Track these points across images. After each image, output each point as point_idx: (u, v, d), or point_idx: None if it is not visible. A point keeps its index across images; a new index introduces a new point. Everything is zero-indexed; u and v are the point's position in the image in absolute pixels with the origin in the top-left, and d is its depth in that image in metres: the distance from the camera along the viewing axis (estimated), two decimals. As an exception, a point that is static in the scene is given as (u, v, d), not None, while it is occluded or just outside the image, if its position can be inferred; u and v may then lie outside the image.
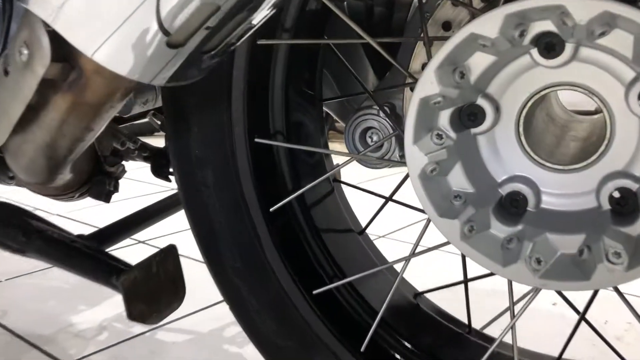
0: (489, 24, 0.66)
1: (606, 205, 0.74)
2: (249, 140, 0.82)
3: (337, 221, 0.98)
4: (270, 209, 0.87)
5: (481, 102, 0.77)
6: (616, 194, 0.72)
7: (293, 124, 0.91)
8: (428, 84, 0.72)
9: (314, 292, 0.87)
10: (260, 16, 0.61)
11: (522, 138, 0.79)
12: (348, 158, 0.91)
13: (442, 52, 0.70)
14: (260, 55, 0.80)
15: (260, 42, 0.78)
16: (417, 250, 0.88)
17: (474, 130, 0.79)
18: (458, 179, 0.79)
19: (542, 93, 0.77)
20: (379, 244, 1.03)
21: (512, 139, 0.80)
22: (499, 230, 0.77)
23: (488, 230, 0.77)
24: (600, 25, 0.63)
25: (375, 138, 0.97)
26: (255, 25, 0.62)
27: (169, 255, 0.87)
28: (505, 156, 0.81)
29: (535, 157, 0.80)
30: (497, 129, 0.80)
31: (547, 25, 0.67)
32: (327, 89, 1.07)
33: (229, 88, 0.79)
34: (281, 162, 0.89)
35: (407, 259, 0.88)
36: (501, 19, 0.65)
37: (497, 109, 0.78)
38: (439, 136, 0.76)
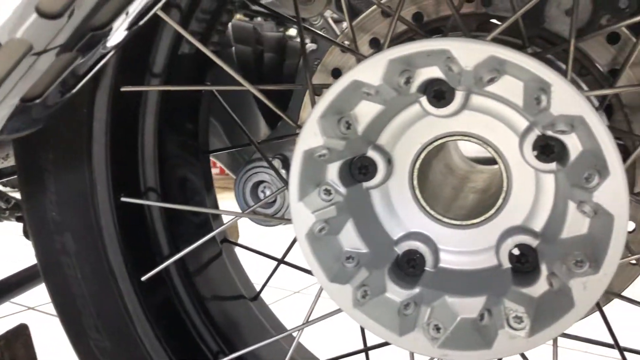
0: (372, 71, 0.60)
1: (506, 264, 0.68)
2: (115, 200, 0.72)
3: (225, 288, 0.88)
4: (142, 278, 0.76)
5: (372, 154, 0.71)
6: (516, 251, 0.67)
7: (171, 180, 0.81)
8: (311, 136, 0.65)
9: (193, 372, 0.76)
10: (92, 60, 0.52)
11: (417, 192, 0.74)
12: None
13: (324, 101, 0.63)
14: (125, 103, 0.70)
15: (124, 89, 0.69)
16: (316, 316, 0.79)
17: (366, 185, 0.73)
18: (350, 239, 0.71)
19: (435, 144, 0.72)
20: (287, 304, 0.93)
21: (407, 192, 0.74)
22: (396, 294, 0.69)
23: (384, 294, 0.69)
24: (489, 71, 0.58)
25: (268, 193, 0.89)
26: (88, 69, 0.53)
27: (18, 338, 0.74)
28: (401, 212, 0.75)
29: (432, 212, 0.74)
30: (390, 183, 0.74)
31: (433, 72, 0.62)
32: (217, 139, 0.98)
33: (89, 141, 0.69)
34: (155, 224, 0.78)
35: (300, 328, 0.79)
36: (384, 65, 0.60)
37: (389, 161, 0.72)
38: (328, 192, 0.69)
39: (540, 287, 0.63)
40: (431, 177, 0.80)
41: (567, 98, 0.54)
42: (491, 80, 0.59)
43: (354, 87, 0.62)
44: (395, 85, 0.62)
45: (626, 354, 0.67)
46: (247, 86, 0.70)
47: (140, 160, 0.75)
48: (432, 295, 0.68)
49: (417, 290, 0.69)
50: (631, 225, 0.73)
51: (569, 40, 0.57)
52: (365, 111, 0.66)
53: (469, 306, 0.67)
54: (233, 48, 0.95)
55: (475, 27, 0.73)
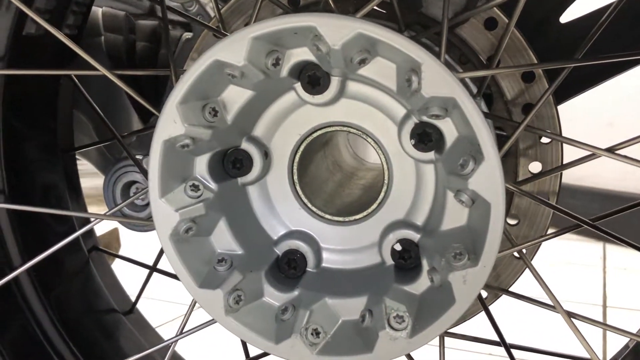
0: (235, 49, 0.54)
1: (390, 261, 0.64)
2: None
3: (92, 301, 0.79)
4: (-15, 292, 0.65)
5: (246, 146, 0.65)
6: (398, 247, 0.63)
7: (24, 181, 0.72)
8: (170, 123, 0.58)
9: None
10: None
11: (298, 187, 0.68)
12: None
13: (184, 82, 0.56)
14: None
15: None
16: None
17: (241, 180, 0.67)
18: (223, 239, 0.65)
19: (314, 135, 0.67)
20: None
21: (287, 188, 0.68)
22: (274, 297, 0.63)
23: (260, 299, 0.63)
24: (359, 51, 0.54)
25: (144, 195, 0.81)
26: None
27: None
28: (280, 209, 0.69)
29: (313, 209, 0.69)
30: (268, 178, 0.68)
31: (305, 54, 0.57)
32: (87, 137, 0.89)
33: None
34: (1, 230, 0.68)
35: (174, 340, 0.71)
36: (247, 43, 0.54)
37: (265, 154, 0.67)
38: (195, 187, 0.62)
39: (422, 284, 0.60)
40: (314, 173, 0.75)
41: (437, 78, 0.51)
42: (362, 62, 0.55)
43: (217, 68, 0.56)
44: (262, 67, 0.57)
45: (513, 351, 0.64)
46: (103, 71, 0.63)
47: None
48: (312, 298, 0.63)
49: (296, 293, 0.64)
50: (515, 219, 0.71)
51: (442, 20, 0.54)
52: (234, 97, 0.60)
53: (351, 307, 0.62)
54: (102, 37, 0.87)
55: (354, 10, 0.69)
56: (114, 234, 1.05)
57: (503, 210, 0.52)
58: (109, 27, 0.88)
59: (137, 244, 1.17)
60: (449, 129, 0.55)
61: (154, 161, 0.59)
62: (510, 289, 0.70)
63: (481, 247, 0.54)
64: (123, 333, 0.79)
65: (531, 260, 0.70)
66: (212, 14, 0.70)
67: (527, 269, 0.69)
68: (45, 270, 0.73)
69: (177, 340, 0.70)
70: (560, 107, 0.67)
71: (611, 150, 0.53)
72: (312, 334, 0.60)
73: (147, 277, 0.79)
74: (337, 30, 0.52)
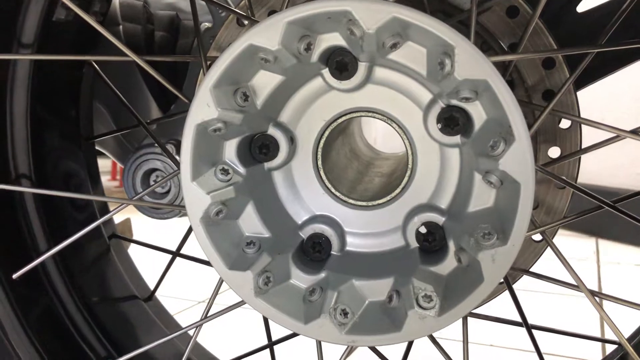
0: (269, 34, 0.56)
1: (414, 243, 0.65)
2: (-24, 185, 0.62)
3: (114, 287, 0.79)
4: (14, 276, 0.66)
5: (273, 131, 0.66)
6: (423, 229, 0.65)
7: (48, 167, 0.72)
8: (204, 107, 0.59)
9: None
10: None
11: (322, 173, 0.70)
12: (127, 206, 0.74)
13: (218, 67, 0.57)
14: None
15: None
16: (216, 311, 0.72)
17: (267, 165, 0.68)
18: (251, 223, 0.66)
19: (340, 120, 0.68)
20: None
21: (311, 173, 0.69)
22: (301, 280, 0.64)
23: (288, 281, 0.65)
24: (391, 35, 0.55)
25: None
26: None
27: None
28: (305, 194, 0.70)
29: (337, 194, 0.70)
30: (293, 163, 0.69)
31: (335, 39, 0.58)
32: (104, 127, 0.89)
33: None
34: (29, 216, 0.69)
35: (197, 325, 0.72)
36: (282, 27, 0.55)
37: (291, 139, 0.68)
38: (225, 171, 0.63)
39: (448, 265, 0.61)
40: (335, 160, 0.77)
41: (471, 61, 0.52)
42: (394, 46, 0.56)
43: (250, 53, 0.57)
44: (295, 52, 0.58)
45: (534, 332, 0.66)
46: (132, 56, 0.63)
47: (9, 142, 0.66)
48: (339, 280, 0.64)
49: (323, 275, 0.65)
50: (534, 203, 0.72)
51: (472, 5, 0.55)
52: (264, 82, 0.61)
53: (377, 289, 0.63)
54: (121, 26, 0.88)
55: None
56: (126, 224, 1.06)
57: (532, 190, 0.54)
58: (127, 17, 0.88)
59: (148, 235, 1.18)
60: (477, 112, 0.57)
61: (187, 145, 0.60)
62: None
63: (510, 226, 0.55)
64: (144, 319, 0.80)
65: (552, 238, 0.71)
66: (233, 3, 0.71)
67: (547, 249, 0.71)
68: (68, 256, 0.74)
69: (201, 325, 0.71)
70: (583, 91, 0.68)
71: (636, 131, 0.54)
72: (340, 314, 0.62)
73: (169, 262, 0.80)
74: (372, 14, 0.53)
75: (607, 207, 0.60)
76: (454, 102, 0.57)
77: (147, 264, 0.97)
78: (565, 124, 0.69)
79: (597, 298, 0.59)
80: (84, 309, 0.73)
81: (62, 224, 0.73)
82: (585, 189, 0.61)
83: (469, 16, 0.57)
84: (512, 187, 0.55)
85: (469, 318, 0.67)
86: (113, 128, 0.89)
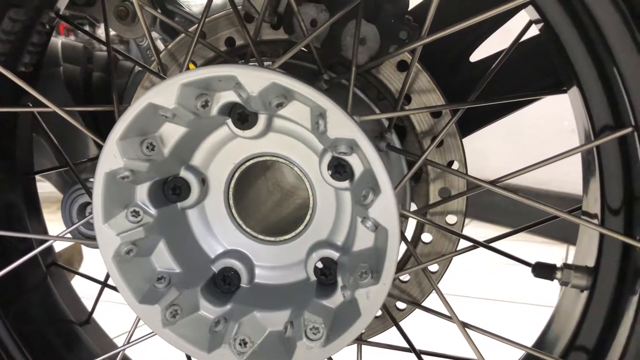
0: (166, 94, 0.62)
1: (313, 277, 0.72)
2: None
3: (49, 314, 0.85)
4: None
5: (185, 174, 0.73)
6: (319, 264, 0.71)
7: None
8: (111, 158, 0.65)
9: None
10: None
11: (233, 210, 0.76)
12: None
13: (122, 122, 0.64)
14: None
15: None
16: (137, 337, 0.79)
17: (181, 205, 0.74)
18: (163, 259, 0.72)
19: (248, 164, 0.74)
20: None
21: (223, 212, 0.76)
22: (209, 311, 0.71)
23: (196, 312, 0.71)
24: (276, 96, 0.62)
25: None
26: None
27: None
28: (218, 231, 0.76)
29: (248, 230, 0.76)
30: (206, 202, 0.75)
31: (231, 96, 0.64)
32: (48, 160, 0.96)
33: None
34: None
35: (121, 350, 0.78)
36: (177, 88, 0.61)
37: (203, 181, 0.74)
38: (136, 213, 0.69)
39: (337, 299, 0.67)
40: (254, 196, 0.83)
41: (340, 122, 0.58)
42: (279, 105, 0.62)
43: (152, 110, 0.63)
44: (192, 109, 0.64)
45: (423, 356, 0.72)
46: (52, 107, 0.69)
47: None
48: (242, 311, 0.70)
49: (228, 307, 0.71)
50: (429, 237, 0.79)
51: (351, 67, 0.62)
52: (170, 133, 0.67)
53: (277, 319, 0.70)
54: (61, 67, 0.94)
55: (282, 52, 0.77)
56: (76, 247, 1.12)
57: (398, 236, 0.60)
58: (68, 58, 0.95)
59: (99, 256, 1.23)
60: (356, 164, 0.63)
61: (97, 191, 0.66)
62: (422, 303, 0.78)
63: (382, 267, 0.62)
64: (78, 342, 0.86)
65: (446, 268, 0.78)
66: (154, 50, 0.77)
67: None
68: (5, 286, 0.80)
69: (122, 350, 0.77)
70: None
71: (494, 183, 0.61)
72: (240, 344, 0.68)
73: (99, 292, 0.86)
74: (254, 80, 0.59)
75: (481, 246, 0.67)
76: (336, 154, 0.63)
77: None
78: (455, 164, 0.75)
79: (469, 330, 0.65)
80: (18, 336, 0.79)
81: (1, 254, 0.78)
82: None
83: (360, 74, 0.63)
84: (383, 232, 0.62)
85: (364, 346, 0.73)
86: (55, 161, 0.95)
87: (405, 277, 0.81)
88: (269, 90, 0.60)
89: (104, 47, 0.94)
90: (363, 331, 0.83)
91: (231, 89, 0.63)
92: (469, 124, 0.76)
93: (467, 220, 0.75)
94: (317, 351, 0.65)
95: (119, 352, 0.77)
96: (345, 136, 0.59)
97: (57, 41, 0.96)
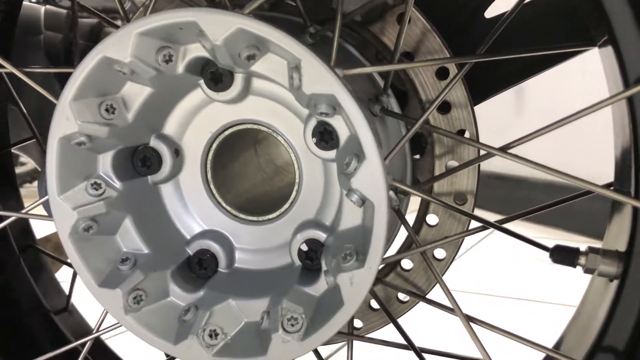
0: (120, 46, 0.54)
1: (298, 262, 0.63)
2: None
3: (19, 300, 0.79)
4: None
5: (155, 144, 0.64)
6: (304, 247, 0.62)
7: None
8: (64, 120, 0.57)
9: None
10: None
11: (212, 186, 0.67)
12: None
13: (75, 79, 0.56)
14: None
15: None
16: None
17: (152, 179, 0.66)
18: (130, 239, 0.64)
19: (227, 133, 0.66)
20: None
21: (200, 187, 0.67)
22: (180, 298, 0.63)
23: (166, 299, 0.63)
24: (246, 47, 0.53)
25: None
26: None
27: None
28: (194, 209, 0.68)
29: (228, 208, 0.68)
30: (182, 176, 0.67)
31: (198, 50, 0.56)
32: (25, 131, 0.89)
33: None
34: None
35: (90, 339, 0.70)
36: (132, 39, 0.53)
37: (176, 152, 0.66)
38: (97, 185, 0.61)
39: (321, 286, 0.58)
40: (239, 171, 0.74)
41: (317, 75, 0.49)
42: (251, 58, 0.53)
43: (107, 65, 0.56)
44: (153, 63, 0.56)
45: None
46: (9, 67, 0.62)
47: None
48: (216, 299, 0.62)
49: (201, 293, 0.63)
50: (435, 219, 0.69)
51: (337, 13, 0.53)
52: (134, 94, 0.59)
53: (255, 309, 0.61)
54: (42, 35, 0.87)
55: (269, 6, 0.68)
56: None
57: (386, 211, 0.51)
58: (50, 26, 0.88)
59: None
60: (341, 127, 0.54)
61: (50, 159, 0.59)
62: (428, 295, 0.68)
63: (368, 248, 0.52)
64: (48, 331, 0.79)
65: (455, 254, 0.68)
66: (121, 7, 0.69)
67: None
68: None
69: (92, 339, 0.70)
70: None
71: (504, 149, 0.51)
72: (209, 335, 0.59)
73: (73, 275, 0.79)
74: (217, 25, 0.51)
75: (491, 227, 0.57)
76: (317, 116, 0.54)
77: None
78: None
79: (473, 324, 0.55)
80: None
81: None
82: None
83: (337, 22, 0.54)
84: (372, 207, 0.52)
85: (357, 342, 0.64)
86: (35, 133, 0.88)
87: (408, 264, 0.71)
88: (237, 38, 0.52)
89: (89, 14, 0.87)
90: (360, 326, 0.74)
91: (196, 41, 0.55)
92: (481, 89, 0.65)
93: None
94: (294, 345, 0.56)
95: (89, 340, 0.69)
96: (323, 91, 0.50)
97: (40, 8, 0.90)
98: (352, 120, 0.49)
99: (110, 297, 0.60)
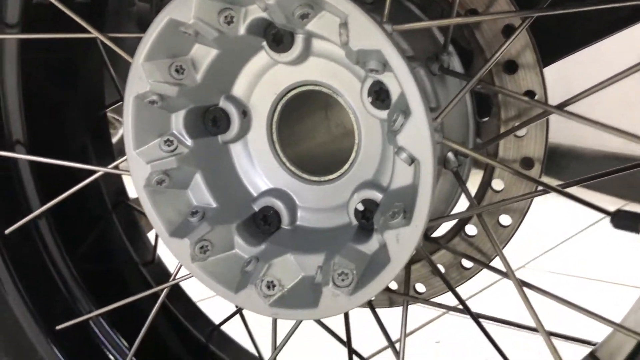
0: (183, 8, 0.57)
1: (355, 221, 0.64)
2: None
3: (109, 251, 0.86)
4: (6, 231, 0.75)
5: (224, 105, 0.68)
6: (360, 207, 0.63)
7: (45, 133, 0.80)
8: (137, 80, 0.62)
9: (57, 327, 0.75)
10: None
11: (277, 147, 0.70)
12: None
13: (145, 42, 0.60)
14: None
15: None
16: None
17: (222, 138, 0.69)
18: (200, 193, 0.68)
19: (290, 94, 0.68)
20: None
21: (266, 147, 0.70)
22: (243, 250, 0.66)
23: (231, 251, 0.66)
24: (299, 5, 0.54)
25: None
26: None
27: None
28: (261, 167, 0.71)
29: (292, 168, 0.70)
30: (250, 136, 0.70)
31: (257, 11, 0.58)
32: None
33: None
34: (22, 177, 0.77)
35: (167, 287, 0.76)
36: (194, 1, 0.56)
37: (244, 113, 0.69)
38: (170, 142, 0.66)
39: (373, 244, 0.59)
40: (302, 132, 0.76)
41: (363, 30, 0.50)
42: (304, 17, 0.55)
43: (174, 27, 0.59)
44: (215, 25, 0.58)
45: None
46: (95, 33, 0.68)
47: (2, 111, 0.75)
48: (276, 252, 0.64)
49: (263, 247, 0.66)
50: (500, 184, 0.67)
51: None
52: (202, 55, 0.63)
53: (310, 264, 0.63)
54: (135, 7, 0.94)
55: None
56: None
57: (432, 168, 0.50)
58: (142, -3, 0.94)
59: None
60: (392, 84, 0.54)
61: (127, 117, 0.64)
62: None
63: (415, 206, 0.52)
64: (138, 281, 0.86)
65: (520, 222, 0.66)
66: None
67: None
68: (65, 219, 0.82)
69: (169, 286, 0.76)
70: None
71: (561, 107, 0.48)
72: (267, 286, 0.62)
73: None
74: (267, -18, 0.52)
75: (552, 191, 0.55)
76: (368, 74, 0.54)
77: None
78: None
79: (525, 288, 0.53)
80: (73, 267, 0.80)
81: (62, 187, 0.80)
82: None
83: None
84: (418, 165, 0.52)
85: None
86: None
87: (472, 230, 0.70)
88: (286, -6, 0.53)
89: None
90: (423, 290, 0.74)
91: (255, 3, 0.57)
92: (552, 49, 0.62)
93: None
94: (343, 299, 0.57)
95: (166, 287, 0.75)
96: (369, 47, 0.50)
97: (134, -19, 0.96)
98: (397, 74, 0.49)
99: (179, 246, 0.65)
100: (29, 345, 0.74)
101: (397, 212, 0.54)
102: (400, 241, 0.53)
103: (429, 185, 0.50)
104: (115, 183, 0.91)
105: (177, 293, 0.92)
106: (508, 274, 0.54)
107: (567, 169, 2.64)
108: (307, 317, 0.60)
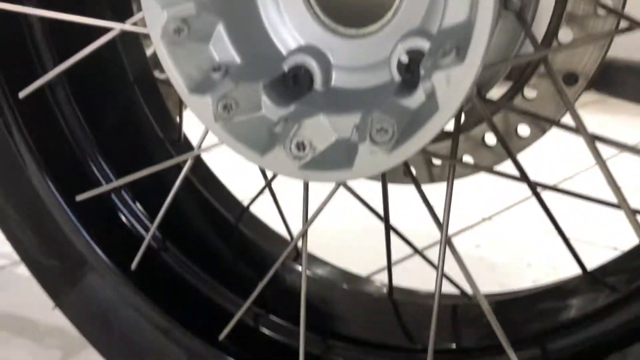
0: None
1: (397, 77, 0.56)
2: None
3: (130, 122, 0.81)
4: (20, 94, 0.70)
5: (251, -57, 0.59)
6: (404, 59, 0.55)
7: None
8: None
9: (78, 198, 0.71)
10: None
11: (311, -3, 0.61)
12: None
13: None
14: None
15: None
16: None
17: (248, -16, 0.61)
18: (223, 47, 0.61)
19: None
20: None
21: (298, -2, 0.62)
22: (271, 111, 0.59)
23: (258, 111, 0.60)
24: None
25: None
26: None
27: None
28: (291, 20, 0.63)
29: (326, 21, 0.62)
30: (279, -17, 0.62)
31: None
32: None
33: None
34: (36, 38, 0.71)
35: (192, 157, 0.71)
36: None
37: (274, -47, 0.60)
38: (188, -16, 0.58)
39: (418, 97, 0.51)
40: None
41: None
42: None
43: None
44: None
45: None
46: None
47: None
48: (307, 113, 0.58)
49: (292, 107, 0.59)
50: (570, 35, 0.57)
51: None
52: None
53: (345, 124, 0.56)
54: None
55: None
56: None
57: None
58: None
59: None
60: None
61: (138, -48, 0.56)
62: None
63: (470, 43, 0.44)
64: (165, 158, 0.81)
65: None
66: None
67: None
68: (84, 88, 0.76)
69: (194, 156, 0.70)
70: None
71: None
72: (296, 146, 0.56)
73: (180, 105, 0.79)
74: None
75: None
76: None
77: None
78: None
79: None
80: (94, 139, 0.76)
81: (74, 51, 0.74)
82: None
83: None
84: (477, -8, 0.43)
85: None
86: None
87: (532, 93, 0.61)
88: None
89: None
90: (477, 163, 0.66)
91: None
92: None
93: None
94: (381, 156, 0.50)
95: (189, 157, 0.70)
96: None
97: None
98: None
99: (201, 104, 0.59)
100: (49, 216, 0.71)
101: (449, 50, 0.45)
102: (452, 82, 0.45)
103: (488, 17, 0.42)
104: (136, 55, 0.84)
105: (205, 174, 0.87)
106: (579, 129, 0.46)
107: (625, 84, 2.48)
108: (341, 179, 0.54)
